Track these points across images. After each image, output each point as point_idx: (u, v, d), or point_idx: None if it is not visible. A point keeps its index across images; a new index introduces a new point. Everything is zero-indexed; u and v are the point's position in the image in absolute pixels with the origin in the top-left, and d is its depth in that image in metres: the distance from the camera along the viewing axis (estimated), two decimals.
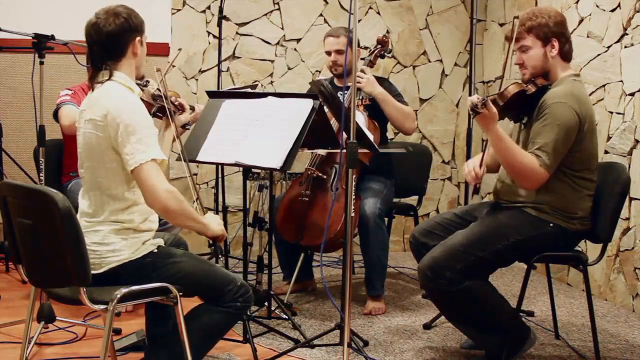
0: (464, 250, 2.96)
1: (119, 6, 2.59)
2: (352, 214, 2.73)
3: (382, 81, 4.05)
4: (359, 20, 5.21)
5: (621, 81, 4.08)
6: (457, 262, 2.95)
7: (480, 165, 3.05)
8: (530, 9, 3.09)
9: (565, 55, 3.06)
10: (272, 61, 5.26)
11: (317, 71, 5.31)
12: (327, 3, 5.29)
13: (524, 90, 2.99)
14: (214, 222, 2.63)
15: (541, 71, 3.05)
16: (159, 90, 3.06)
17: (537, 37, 3.01)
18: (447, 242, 3.03)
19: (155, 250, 2.57)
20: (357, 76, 3.85)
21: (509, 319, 3.04)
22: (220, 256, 4.23)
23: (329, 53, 4.09)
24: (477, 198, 5.34)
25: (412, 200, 4.63)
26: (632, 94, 3.99)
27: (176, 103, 3.16)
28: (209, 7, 5.12)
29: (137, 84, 2.71)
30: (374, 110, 4.02)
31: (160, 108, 3.11)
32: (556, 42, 3.01)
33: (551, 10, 3.08)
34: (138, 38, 2.60)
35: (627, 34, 4.03)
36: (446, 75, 5.55)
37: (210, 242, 4.34)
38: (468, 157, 4.40)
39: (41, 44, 3.45)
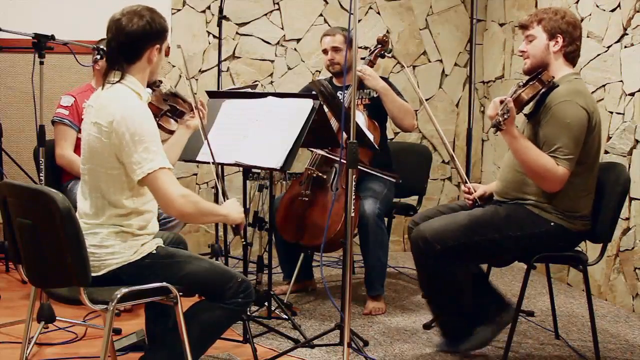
0: (461, 231, 2.98)
1: (145, 8, 2.55)
2: (352, 214, 2.73)
3: (383, 80, 4.05)
4: (359, 20, 5.21)
5: (621, 81, 4.08)
6: (450, 239, 2.98)
7: (467, 182, 3.23)
8: (550, 6, 3.14)
9: (569, 56, 3.07)
10: (272, 61, 5.26)
11: (317, 71, 5.31)
12: (327, 3, 5.29)
13: (537, 93, 2.99)
14: (233, 211, 2.63)
15: (540, 62, 3.06)
16: (172, 89, 2.99)
17: (544, 29, 3.04)
18: (449, 217, 3.08)
19: (154, 251, 2.56)
20: (361, 68, 3.88)
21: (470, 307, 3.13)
22: (221, 255, 4.24)
23: (325, 52, 4.09)
24: None
25: (412, 200, 4.63)
26: (632, 94, 3.99)
27: (187, 101, 3.05)
28: (209, 7, 5.12)
29: (149, 85, 2.68)
30: (374, 110, 4.02)
31: (171, 108, 3.06)
32: (560, 39, 3.02)
33: (568, 12, 3.11)
34: (157, 46, 2.56)
35: (627, 34, 4.03)
36: (446, 75, 5.55)
37: (209, 244, 4.34)
38: (468, 157, 4.41)
39: (41, 44, 3.44)
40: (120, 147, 2.43)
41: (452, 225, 3.01)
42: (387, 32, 5.31)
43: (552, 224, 2.99)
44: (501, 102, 2.87)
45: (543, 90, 2.99)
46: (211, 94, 3.49)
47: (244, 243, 2.83)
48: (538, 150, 2.93)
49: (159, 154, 2.45)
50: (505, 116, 2.80)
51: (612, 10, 4.14)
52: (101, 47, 3.75)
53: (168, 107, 3.06)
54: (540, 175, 2.93)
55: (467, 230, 2.98)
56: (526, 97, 2.96)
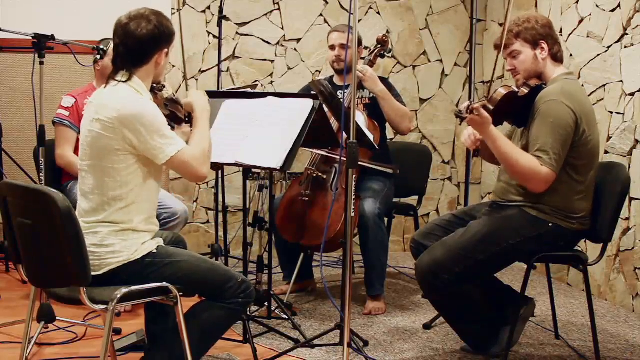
0: (464, 254, 2.98)
1: (152, 12, 2.56)
2: (352, 214, 2.73)
3: (383, 81, 4.04)
4: (359, 20, 5.21)
5: (621, 81, 4.08)
6: (456, 266, 2.97)
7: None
8: (516, 16, 3.12)
9: (556, 56, 3.07)
10: (272, 61, 5.27)
11: (317, 71, 5.31)
12: (327, 3, 5.29)
13: (514, 92, 2.97)
14: (205, 111, 2.78)
15: (534, 74, 3.06)
16: (174, 95, 3.01)
17: (526, 40, 3.02)
18: (448, 242, 3.05)
19: (155, 251, 2.56)
20: (362, 69, 3.88)
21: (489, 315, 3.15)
22: (220, 255, 4.24)
23: (332, 48, 4.09)
24: (477, 192, 5.34)
25: (412, 200, 4.63)
26: (632, 94, 3.99)
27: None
28: (209, 7, 5.12)
29: (152, 87, 2.69)
30: (374, 110, 4.02)
31: (170, 114, 3.07)
32: (545, 45, 3.02)
33: (537, 15, 3.12)
34: (165, 50, 2.59)
35: (627, 34, 4.03)
36: (446, 75, 5.55)
37: (209, 244, 4.32)
38: (468, 157, 4.41)
39: (41, 44, 3.45)
40: (133, 140, 2.47)
41: (453, 250, 3.00)
42: (387, 32, 5.31)
43: (550, 224, 2.99)
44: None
45: (527, 92, 2.98)
46: (211, 94, 3.48)
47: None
48: (520, 151, 2.93)
49: (174, 137, 2.54)
50: (468, 108, 2.79)
51: (612, 10, 4.14)
52: (101, 47, 3.76)
53: (168, 113, 3.07)
54: (524, 176, 2.93)
55: (468, 252, 2.98)
56: (500, 94, 2.93)
